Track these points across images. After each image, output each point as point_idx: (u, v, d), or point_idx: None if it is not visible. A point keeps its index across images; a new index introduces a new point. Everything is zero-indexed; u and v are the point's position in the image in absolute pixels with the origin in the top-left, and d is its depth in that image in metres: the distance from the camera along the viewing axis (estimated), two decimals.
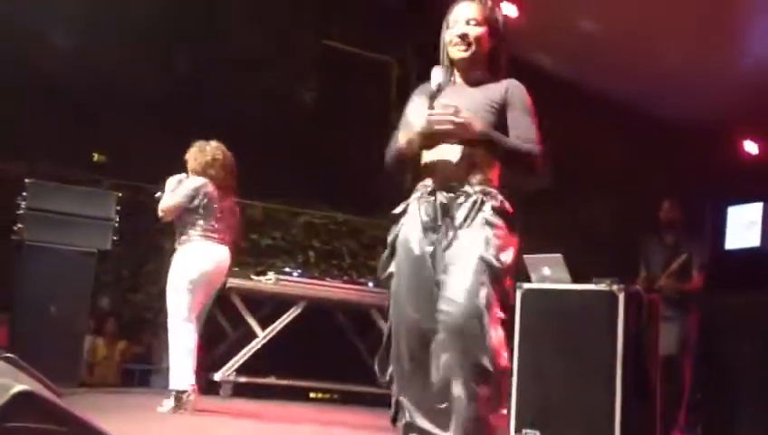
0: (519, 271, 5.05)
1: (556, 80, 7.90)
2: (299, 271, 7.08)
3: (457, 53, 2.70)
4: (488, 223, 2.51)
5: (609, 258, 6.63)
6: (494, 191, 2.58)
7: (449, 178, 2.58)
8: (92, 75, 6.69)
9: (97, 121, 6.85)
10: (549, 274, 4.99)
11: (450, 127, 2.50)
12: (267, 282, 6.62)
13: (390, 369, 2.62)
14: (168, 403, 4.74)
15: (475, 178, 2.57)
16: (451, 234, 2.53)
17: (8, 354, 2.23)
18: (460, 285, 2.44)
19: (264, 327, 6.57)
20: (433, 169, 2.62)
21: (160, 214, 4.93)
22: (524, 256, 5.05)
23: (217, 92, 7.07)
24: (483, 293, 2.42)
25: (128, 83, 6.79)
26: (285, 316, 6.61)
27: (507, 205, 2.59)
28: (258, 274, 6.81)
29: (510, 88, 2.68)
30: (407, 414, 2.55)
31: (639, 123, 8.29)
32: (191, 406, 4.74)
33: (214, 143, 5.11)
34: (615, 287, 4.60)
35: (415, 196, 2.65)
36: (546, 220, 7.34)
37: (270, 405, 6.10)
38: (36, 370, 2.21)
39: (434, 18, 2.75)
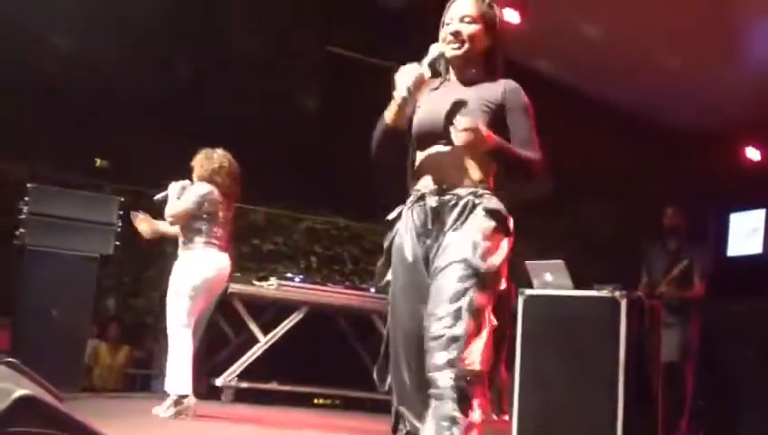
0: (521, 277, 5.06)
1: (558, 86, 7.90)
2: (301, 276, 7.08)
3: (451, 50, 2.62)
4: (478, 226, 2.44)
5: (609, 264, 6.64)
6: (487, 193, 2.52)
7: (443, 180, 2.53)
8: (92, 76, 6.71)
9: (97, 123, 6.86)
10: (551, 280, 4.98)
11: (471, 139, 2.41)
12: (269, 287, 6.61)
13: (389, 379, 2.58)
14: (167, 406, 4.74)
15: (469, 179, 2.52)
16: (441, 239, 2.48)
17: (10, 359, 2.22)
18: (443, 294, 2.39)
19: (265, 332, 6.57)
20: (426, 171, 2.58)
21: (169, 220, 4.94)
22: (526, 262, 5.05)
23: (220, 98, 7.08)
24: (466, 299, 2.37)
25: (129, 85, 6.80)
26: (287, 322, 6.61)
27: (501, 207, 2.51)
28: (260, 279, 6.81)
29: (508, 89, 2.60)
30: (407, 424, 2.52)
31: (641, 129, 8.29)
32: (192, 411, 4.74)
33: (220, 151, 5.13)
34: (617, 294, 4.60)
35: (409, 200, 2.61)
36: (547, 226, 7.34)
37: (271, 411, 6.08)
38: (38, 374, 2.20)
39: (436, 23, 2.72)
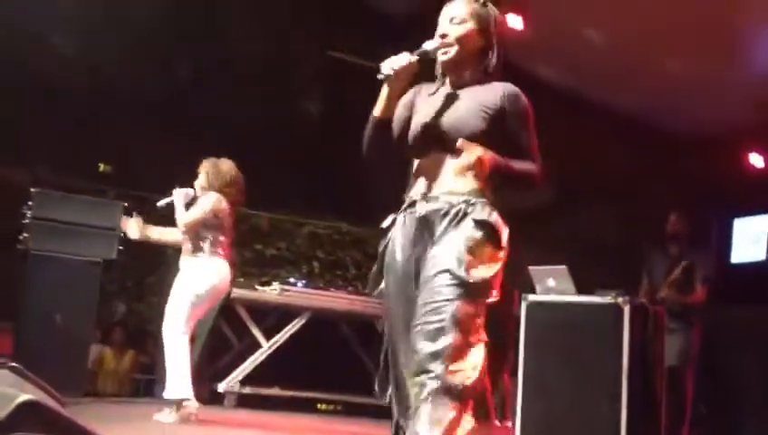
0: (523, 283, 5.06)
1: (560, 91, 7.90)
2: (303, 281, 7.08)
3: (440, 55, 2.51)
4: (465, 237, 2.35)
5: (610, 269, 6.63)
6: (480, 201, 2.41)
7: (435, 187, 2.45)
8: (93, 76, 6.71)
9: (98, 123, 6.87)
10: (554, 285, 4.98)
11: (473, 168, 2.36)
12: (272, 292, 6.61)
13: (390, 390, 2.52)
14: (169, 412, 4.74)
15: (463, 187, 2.42)
16: (430, 248, 2.41)
17: (13, 364, 2.22)
18: (427, 305, 2.32)
19: (268, 338, 6.57)
20: (420, 177, 2.51)
21: (182, 228, 4.99)
22: (529, 267, 5.05)
23: (224, 103, 7.09)
24: (449, 310, 2.27)
25: (129, 86, 6.81)
26: (290, 327, 6.61)
27: (495, 216, 2.42)
28: (263, 284, 6.81)
29: (507, 94, 2.49)
30: None
31: (643, 133, 8.27)
32: (194, 416, 4.74)
33: (227, 161, 5.20)
34: (620, 299, 4.59)
35: (403, 207, 2.55)
36: (548, 231, 7.33)
37: (274, 416, 6.08)
38: (41, 379, 2.20)
39: (436, 29, 2.67)
